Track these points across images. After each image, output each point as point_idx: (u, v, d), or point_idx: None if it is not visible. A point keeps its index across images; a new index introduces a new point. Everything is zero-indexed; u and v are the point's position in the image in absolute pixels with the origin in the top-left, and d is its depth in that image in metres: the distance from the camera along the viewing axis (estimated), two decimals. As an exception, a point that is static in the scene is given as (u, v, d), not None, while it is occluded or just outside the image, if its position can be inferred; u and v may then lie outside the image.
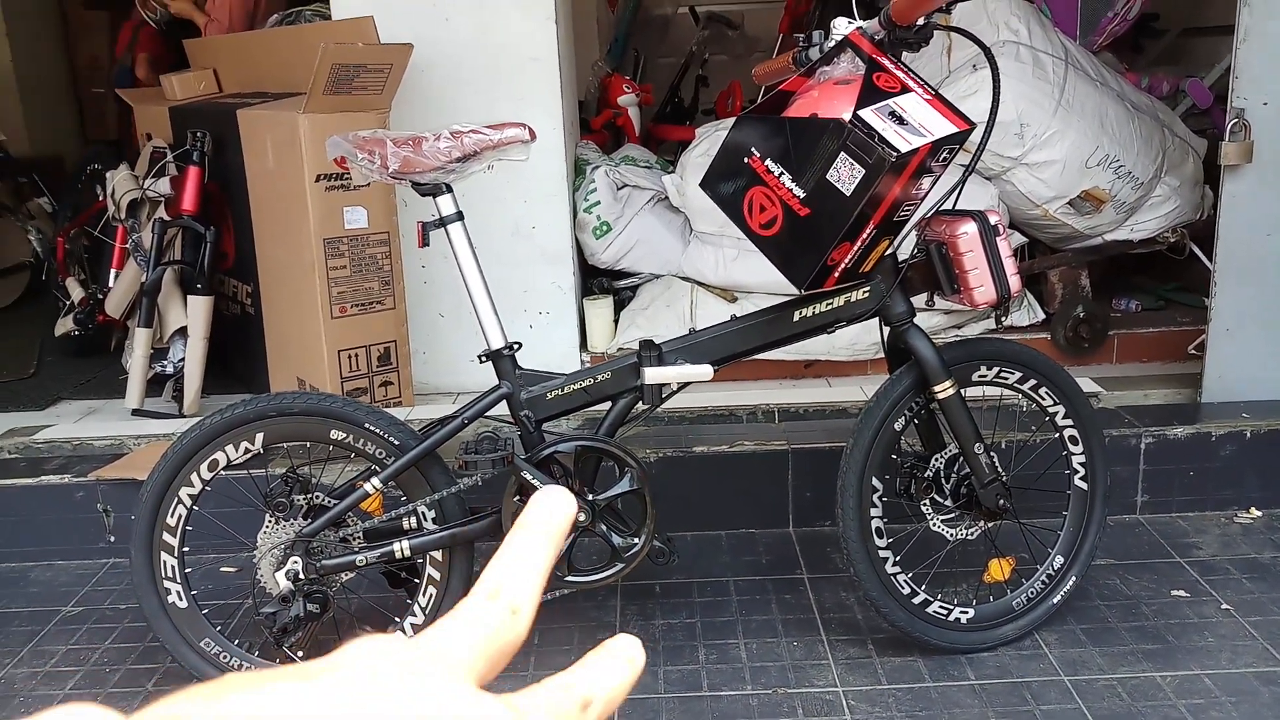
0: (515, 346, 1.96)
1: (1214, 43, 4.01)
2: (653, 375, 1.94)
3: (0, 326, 4.40)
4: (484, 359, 1.96)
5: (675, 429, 2.77)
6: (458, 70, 3.03)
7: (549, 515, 0.39)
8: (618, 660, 0.38)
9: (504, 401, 1.96)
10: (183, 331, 3.11)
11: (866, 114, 1.72)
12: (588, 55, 4.53)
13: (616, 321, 3.31)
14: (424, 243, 1.89)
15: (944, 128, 1.75)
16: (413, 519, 1.97)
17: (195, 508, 1.93)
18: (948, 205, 1.93)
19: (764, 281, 3.13)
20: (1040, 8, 3.48)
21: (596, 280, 3.47)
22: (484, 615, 0.36)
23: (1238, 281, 2.69)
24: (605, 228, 3.32)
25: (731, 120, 3.63)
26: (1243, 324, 2.72)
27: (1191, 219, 3.31)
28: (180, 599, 1.95)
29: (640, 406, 1.98)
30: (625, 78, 4.41)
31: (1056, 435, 2.12)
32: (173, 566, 1.94)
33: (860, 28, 1.84)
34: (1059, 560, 2.11)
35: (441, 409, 3.00)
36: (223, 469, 1.92)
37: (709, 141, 3.31)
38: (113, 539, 2.62)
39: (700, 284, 3.27)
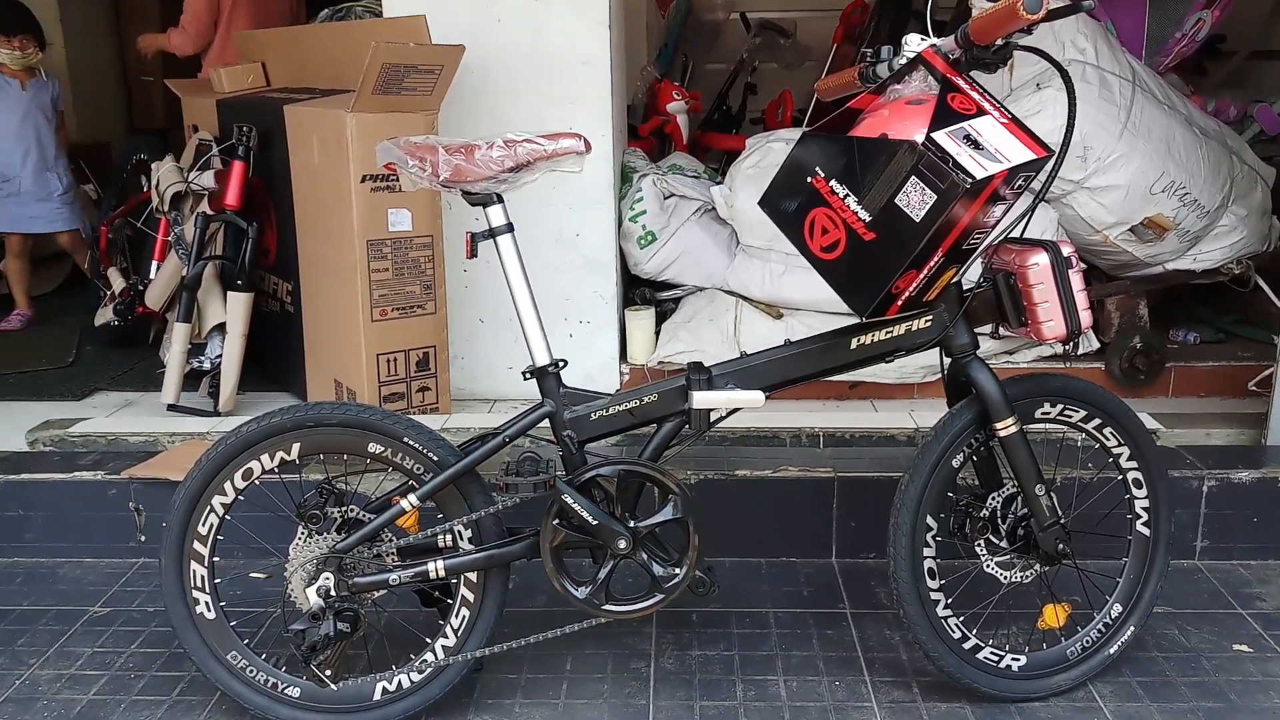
0: (560, 364, 1.90)
1: (1284, 67, 3.89)
2: (701, 400, 1.86)
3: (40, 314, 4.40)
4: (529, 376, 1.90)
5: (716, 450, 2.69)
6: (508, 72, 2.97)
7: None
8: None
9: (547, 420, 1.90)
10: (221, 327, 3.08)
11: (940, 137, 1.64)
12: (636, 60, 4.46)
13: (658, 334, 3.24)
14: (472, 254, 1.83)
15: (1021, 154, 1.66)
16: (449, 538, 1.91)
17: (227, 517, 1.88)
18: (1016, 233, 1.85)
19: (812, 299, 3.05)
20: (1106, 26, 3.37)
21: (639, 290, 3.40)
22: None
23: (1311, 320, 2.59)
24: (650, 237, 3.26)
25: (783, 131, 3.56)
26: (1314, 365, 2.61)
27: (1258, 250, 3.20)
28: (209, 610, 1.90)
29: (687, 430, 1.91)
30: (674, 84, 4.35)
31: (1119, 477, 2.03)
32: (202, 576, 1.89)
33: (934, 45, 1.76)
34: (1117, 608, 2.02)
35: (479, 416, 2.95)
36: (257, 478, 1.88)
37: (759, 153, 3.23)
38: (144, 538, 2.59)
39: (745, 298, 3.19)
